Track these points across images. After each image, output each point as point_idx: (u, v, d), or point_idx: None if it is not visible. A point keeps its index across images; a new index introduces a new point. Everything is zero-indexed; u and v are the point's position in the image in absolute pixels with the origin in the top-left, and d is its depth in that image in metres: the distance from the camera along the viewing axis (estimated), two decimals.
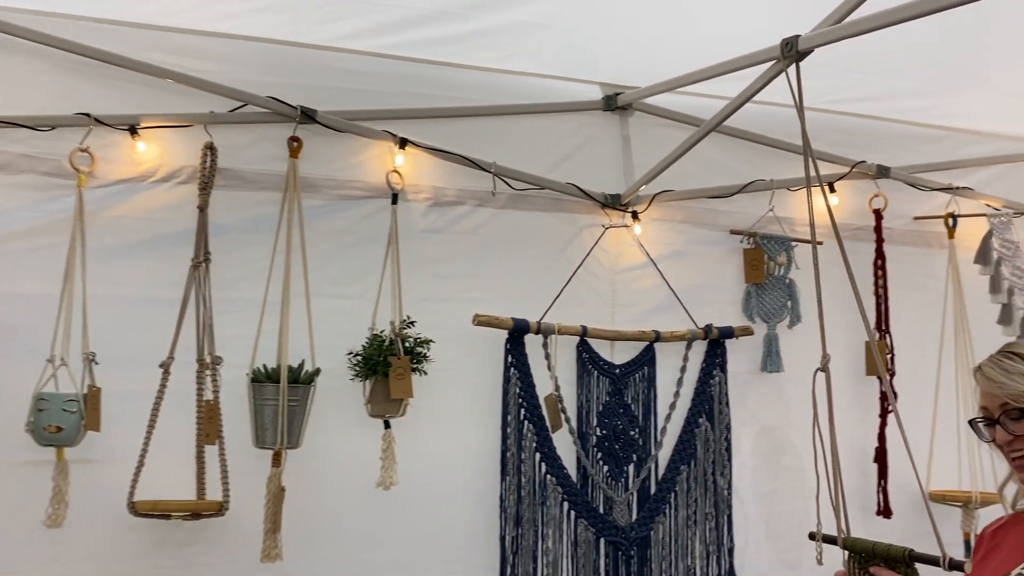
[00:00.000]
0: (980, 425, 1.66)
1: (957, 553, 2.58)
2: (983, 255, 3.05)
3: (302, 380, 2.34)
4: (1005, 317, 3.00)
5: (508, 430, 2.64)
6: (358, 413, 2.46)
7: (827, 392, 1.75)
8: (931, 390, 3.01)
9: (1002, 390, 1.58)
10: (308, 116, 2.47)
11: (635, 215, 2.86)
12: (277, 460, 2.31)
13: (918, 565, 1.56)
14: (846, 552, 1.60)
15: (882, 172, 3.07)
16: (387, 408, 2.47)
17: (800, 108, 1.83)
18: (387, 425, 2.48)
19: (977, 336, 3.01)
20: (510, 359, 2.67)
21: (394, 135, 2.59)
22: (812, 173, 1.89)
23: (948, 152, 3.21)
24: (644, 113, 2.92)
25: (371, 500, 2.45)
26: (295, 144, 2.46)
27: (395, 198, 2.59)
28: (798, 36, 1.87)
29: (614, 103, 2.85)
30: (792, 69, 1.89)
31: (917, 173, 3.14)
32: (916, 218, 3.20)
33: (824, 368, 1.80)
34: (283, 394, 2.27)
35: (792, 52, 1.86)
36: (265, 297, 2.36)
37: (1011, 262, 3.01)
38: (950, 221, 3.13)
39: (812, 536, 1.63)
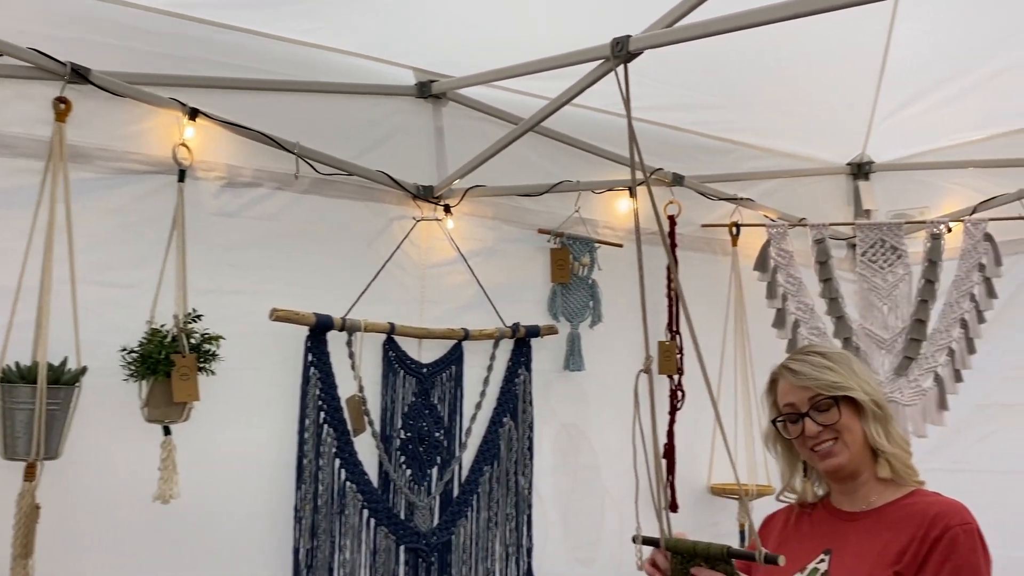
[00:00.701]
0: (783, 423, 1.75)
1: (732, 542, 2.75)
2: (762, 262, 3.27)
3: (64, 380, 2.01)
4: (779, 321, 3.23)
5: (306, 435, 2.44)
6: (133, 418, 2.15)
7: (650, 394, 1.74)
8: (714, 388, 3.17)
9: (815, 383, 1.68)
10: (79, 75, 2.13)
11: (447, 209, 2.76)
12: (31, 473, 1.96)
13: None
14: (668, 553, 1.60)
15: (677, 180, 3.20)
16: (168, 412, 2.18)
17: (628, 107, 1.82)
18: (167, 431, 2.20)
19: (755, 337, 3.23)
20: (311, 358, 2.47)
21: (183, 104, 2.31)
22: (637, 175, 1.88)
23: (734, 164, 3.42)
24: (459, 104, 2.83)
25: (147, 516, 2.16)
26: (62, 106, 2.11)
27: (182, 175, 2.31)
28: (629, 36, 1.86)
29: (428, 91, 2.74)
30: (621, 69, 1.88)
31: (707, 183, 3.31)
32: (704, 225, 3.38)
33: (647, 370, 1.80)
34: (40, 397, 1.93)
35: (622, 52, 1.85)
36: (20, 283, 2.00)
37: (785, 270, 3.25)
38: (734, 229, 3.33)
39: (635, 539, 1.61)
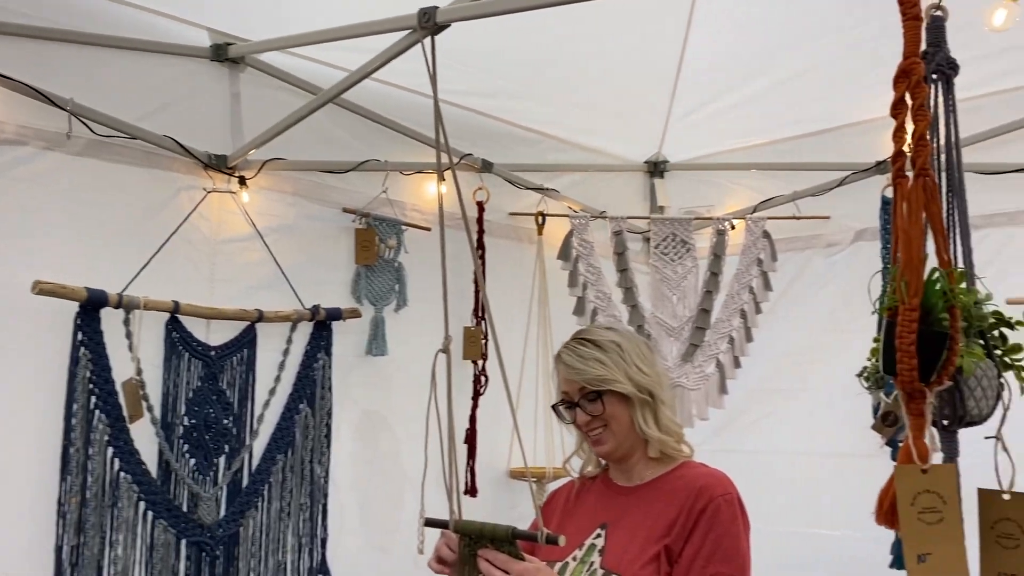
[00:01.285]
0: (562, 408, 1.78)
1: (527, 524, 2.80)
2: (565, 252, 3.35)
3: None
4: (579, 308, 3.33)
5: (73, 421, 2.21)
6: None
7: (447, 374, 1.71)
8: (517, 374, 3.22)
9: (579, 376, 1.70)
10: None
11: (242, 181, 2.60)
12: None
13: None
14: (457, 535, 1.58)
15: (486, 166, 3.22)
16: None
17: (434, 82, 1.78)
18: None
19: (557, 324, 3.30)
20: (80, 337, 2.23)
21: None
22: (439, 158, 1.84)
23: (541, 155, 3.48)
24: (258, 71, 2.67)
25: None
26: None
27: None
28: (436, 7, 1.83)
29: (224, 54, 2.57)
30: (428, 42, 1.84)
31: (515, 172, 3.34)
32: (511, 214, 3.41)
33: (445, 350, 1.77)
34: None
35: (429, 23, 1.82)
36: None
37: (586, 259, 3.35)
38: (540, 219, 3.39)
39: (428, 523, 1.59)
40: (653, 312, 3.41)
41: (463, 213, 1.75)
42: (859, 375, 2.79)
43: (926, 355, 1.06)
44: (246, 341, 2.62)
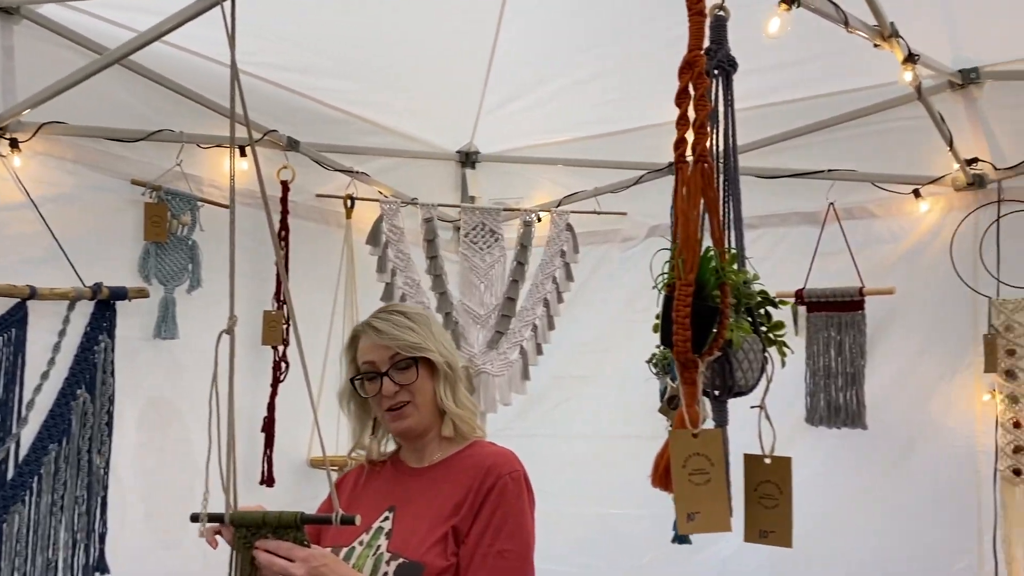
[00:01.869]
0: (361, 381, 1.73)
1: None
2: (374, 237, 3.31)
3: None
4: (387, 295, 3.30)
5: None
6: None
7: (230, 357, 1.60)
8: (322, 360, 3.14)
9: (395, 341, 1.68)
10: None
11: (14, 144, 2.35)
12: None
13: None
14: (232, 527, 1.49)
15: (292, 144, 3.11)
16: None
17: (232, 43, 1.69)
18: None
19: (365, 310, 3.25)
20: None
21: None
22: (232, 128, 1.74)
23: (352, 137, 3.41)
24: (35, 24, 2.43)
25: None
26: None
27: None
28: None
29: None
30: (228, 4, 1.74)
31: (324, 152, 3.26)
32: (319, 195, 3.33)
33: (230, 330, 1.66)
34: None
35: None
36: None
37: (396, 246, 3.33)
38: (349, 202, 3.33)
39: (194, 518, 1.48)
40: (461, 300, 3.44)
41: (262, 191, 1.66)
42: (648, 361, 2.98)
43: (699, 328, 1.15)
44: (15, 320, 2.38)
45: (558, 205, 3.62)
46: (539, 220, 3.58)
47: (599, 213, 3.55)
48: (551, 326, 3.50)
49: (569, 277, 3.53)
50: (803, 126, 3.14)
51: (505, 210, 3.57)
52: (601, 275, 3.70)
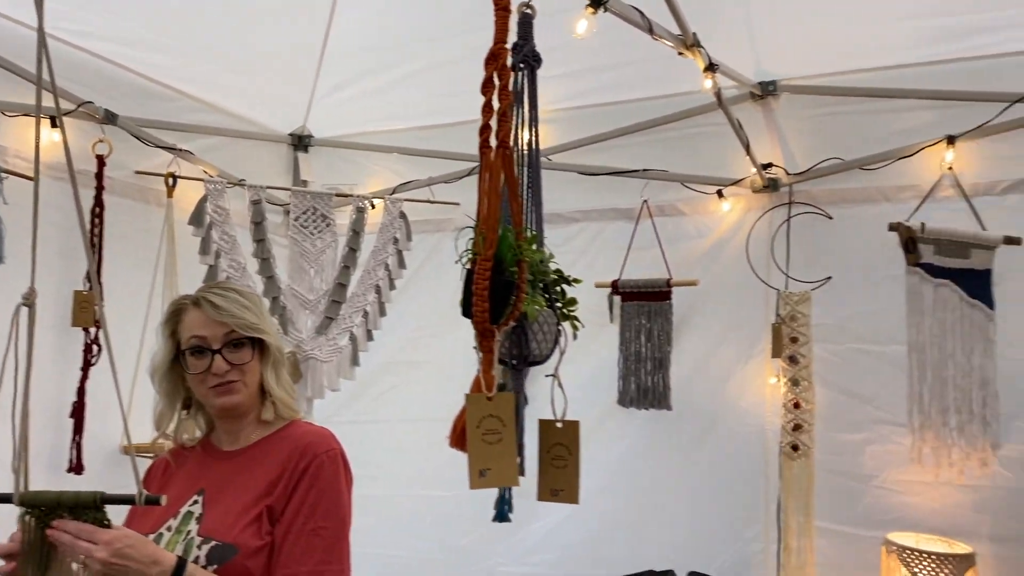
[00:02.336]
0: (190, 356, 1.69)
1: None
2: (197, 217, 3.22)
3: None
4: (211, 277, 3.22)
5: None
6: None
7: (28, 332, 1.53)
8: (138, 343, 3.03)
9: (234, 319, 1.67)
10: None
11: None
12: None
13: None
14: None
15: (109, 118, 2.98)
16: None
17: (39, 6, 1.62)
18: None
19: (185, 292, 3.15)
20: None
21: None
22: (40, 101, 1.66)
23: (176, 114, 3.30)
24: None
25: None
26: None
27: None
28: None
29: None
30: None
31: (144, 127, 3.14)
32: (138, 172, 3.20)
33: (29, 303, 1.56)
34: None
35: None
36: None
37: (221, 227, 3.25)
38: (170, 180, 3.22)
39: None
40: (289, 284, 3.41)
41: (68, 164, 1.58)
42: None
43: (497, 301, 1.24)
44: None
45: (392, 193, 3.67)
46: (372, 207, 3.61)
47: (432, 202, 3.62)
48: (382, 312, 3.53)
49: (401, 264, 3.58)
50: (621, 127, 3.35)
51: (337, 195, 3.57)
52: (433, 263, 3.77)
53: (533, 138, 1.47)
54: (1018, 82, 2.81)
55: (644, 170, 3.36)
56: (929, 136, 2.95)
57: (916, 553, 2.76)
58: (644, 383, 3.27)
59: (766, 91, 3.20)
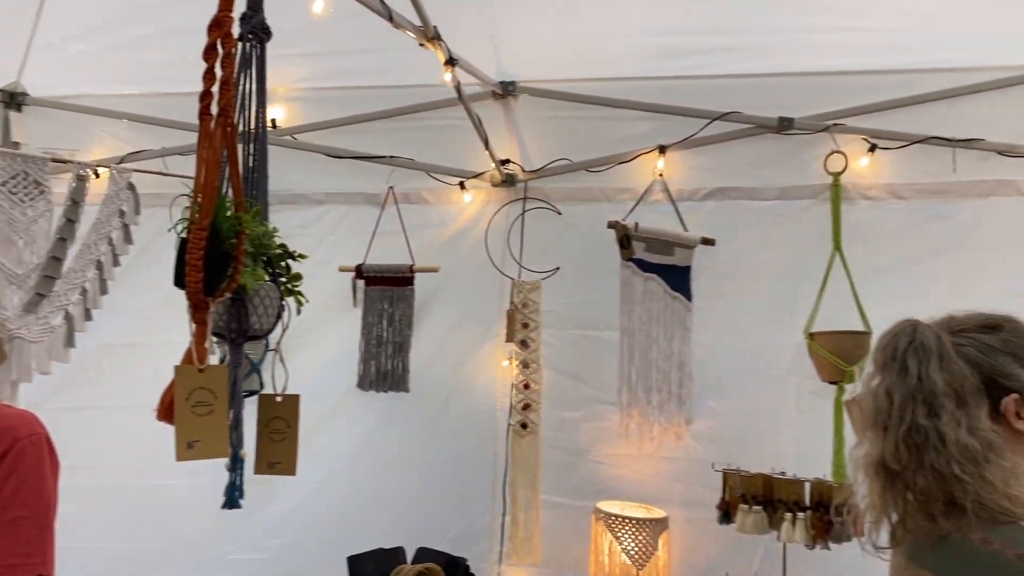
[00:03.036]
0: None
1: None
2: None
3: None
4: None
5: None
6: None
7: None
8: None
9: None
10: None
11: None
12: None
13: None
14: None
15: None
16: None
17: None
18: None
19: None
20: None
21: None
22: None
23: None
24: None
25: None
26: None
27: None
28: None
29: None
30: None
31: None
32: None
33: None
34: None
35: None
36: None
37: None
38: None
39: None
40: None
41: None
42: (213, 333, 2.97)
43: (213, 272, 1.23)
44: None
45: (120, 162, 3.42)
46: (96, 176, 3.34)
47: (165, 175, 3.42)
48: (104, 290, 3.28)
49: (128, 239, 3.34)
50: (370, 112, 3.39)
51: (54, 160, 3.26)
52: (166, 239, 3.55)
53: (261, 111, 1.47)
54: (718, 102, 3.21)
55: (391, 157, 3.42)
56: (645, 144, 3.28)
57: (620, 519, 3.06)
58: (384, 366, 3.32)
59: (506, 91, 3.38)
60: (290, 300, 1.49)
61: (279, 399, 1.43)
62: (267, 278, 1.40)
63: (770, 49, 3.08)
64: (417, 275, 3.37)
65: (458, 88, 2.79)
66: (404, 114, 3.43)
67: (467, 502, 3.43)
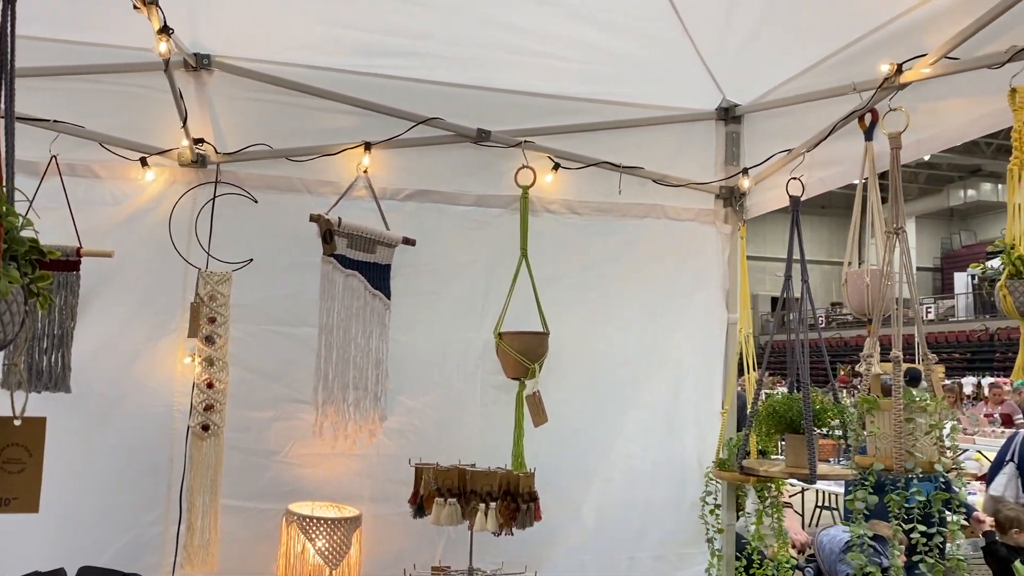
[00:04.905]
0: None
1: None
2: None
3: None
4: None
5: None
6: None
7: None
8: None
9: None
10: None
11: None
12: None
13: None
14: None
15: None
16: None
17: None
18: None
19: None
20: None
21: None
22: None
23: None
24: None
25: None
26: None
27: None
28: None
29: None
30: None
31: None
32: None
33: None
34: None
35: None
36: None
37: None
38: None
39: None
40: None
41: None
42: None
43: None
44: None
45: None
46: None
47: None
48: None
49: None
50: (31, 67, 2.88)
51: None
52: None
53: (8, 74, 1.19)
54: (423, 105, 3.29)
55: (54, 121, 2.95)
56: (351, 139, 3.24)
57: (314, 520, 3.01)
58: (39, 363, 2.85)
59: (200, 64, 3.11)
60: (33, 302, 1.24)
61: (18, 422, 1.19)
62: (21, 281, 1.15)
63: (474, 62, 3.23)
64: (84, 259, 2.94)
65: (168, 61, 2.50)
66: (74, 74, 2.98)
67: (137, 512, 3.09)
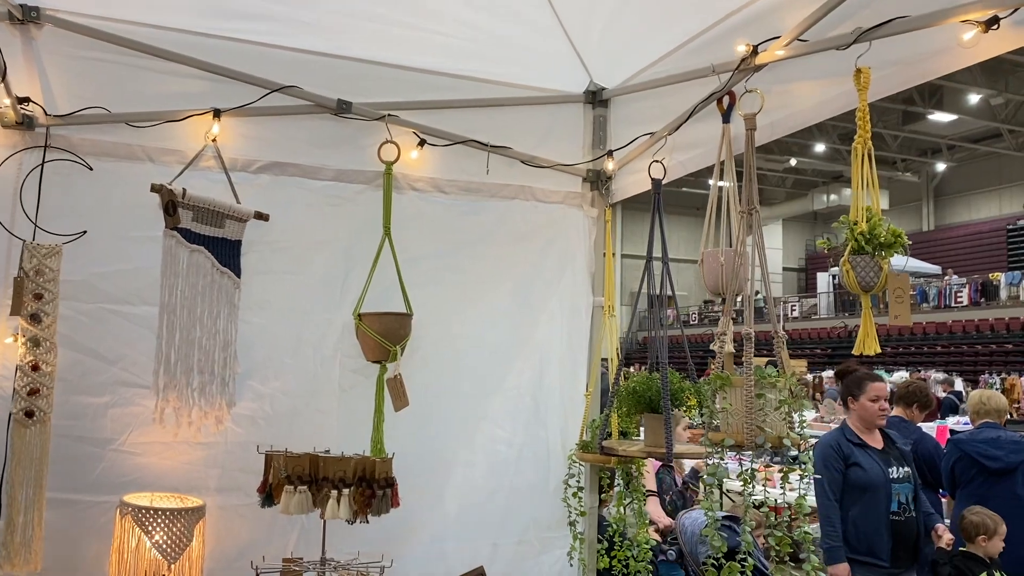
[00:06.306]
0: None
1: None
2: None
3: None
4: None
5: None
6: None
7: None
8: None
9: None
10: None
11: None
12: None
13: None
14: None
15: None
16: None
17: None
18: None
19: None
20: None
21: None
22: None
23: None
24: None
25: None
26: None
27: None
28: None
29: None
30: None
31: None
32: None
33: None
34: None
35: None
36: None
37: None
38: None
39: None
40: None
41: None
42: None
43: None
44: None
45: None
46: None
47: None
48: None
49: None
50: None
51: None
52: None
53: None
54: (279, 73, 3.11)
55: None
56: (198, 105, 3.03)
57: (150, 512, 2.78)
58: None
59: (27, 16, 2.83)
60: None
61: None
62: None
63: (334, 29, 3.08)
64: None
65: None
66: None
67: None
